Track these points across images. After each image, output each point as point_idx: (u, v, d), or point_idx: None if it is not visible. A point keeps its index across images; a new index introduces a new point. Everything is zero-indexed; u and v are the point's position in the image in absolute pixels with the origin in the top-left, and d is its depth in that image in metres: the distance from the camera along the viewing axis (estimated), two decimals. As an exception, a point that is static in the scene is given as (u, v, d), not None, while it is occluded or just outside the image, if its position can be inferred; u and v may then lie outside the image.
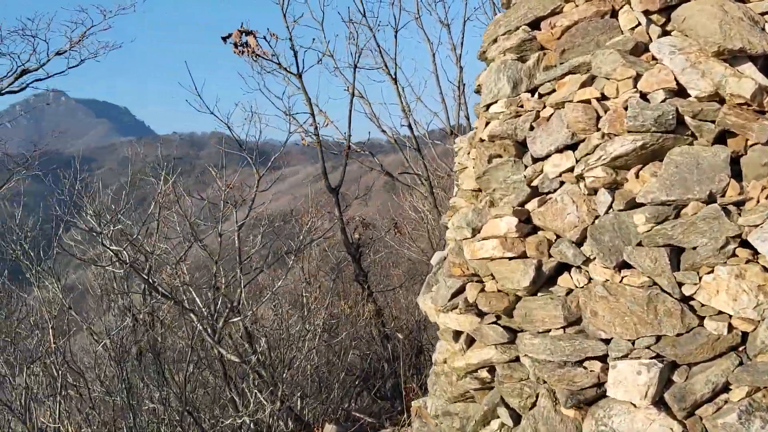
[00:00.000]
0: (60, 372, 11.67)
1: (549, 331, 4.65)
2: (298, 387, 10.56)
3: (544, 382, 4.63)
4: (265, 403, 9.45)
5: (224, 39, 10.96)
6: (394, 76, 16.85)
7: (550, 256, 4.68)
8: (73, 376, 12.01)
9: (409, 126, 18.45)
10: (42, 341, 11.83)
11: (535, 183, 4.90)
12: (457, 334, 5.25)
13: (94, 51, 9.06)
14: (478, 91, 6.23)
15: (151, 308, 12.33)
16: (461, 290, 5.19)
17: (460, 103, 18.40)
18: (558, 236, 4.69)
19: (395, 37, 16.35)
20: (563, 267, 4.72)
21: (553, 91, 4.94)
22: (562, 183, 4.77)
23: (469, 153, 5.83)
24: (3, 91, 8.46)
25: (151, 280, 10.29)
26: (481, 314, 5.00)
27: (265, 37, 11.33)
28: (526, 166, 4.98)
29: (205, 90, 11.66)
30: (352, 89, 12.44)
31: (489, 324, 4.93)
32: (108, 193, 12.94)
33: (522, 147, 5.05)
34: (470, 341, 5.20)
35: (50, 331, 11.56)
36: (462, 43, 18.17)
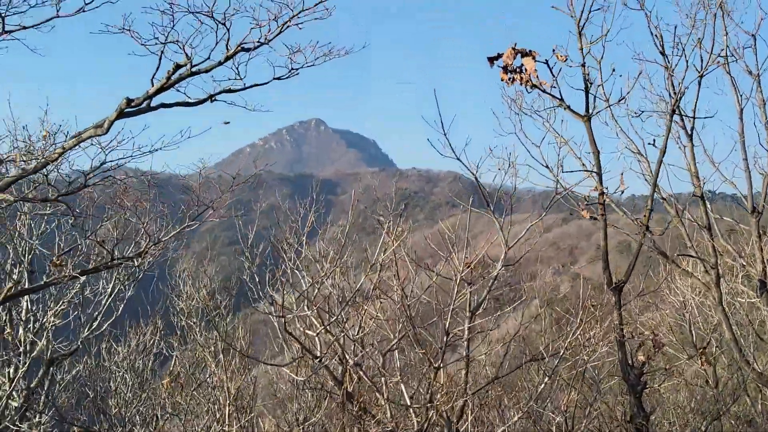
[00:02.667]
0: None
1: None
2: None
3: None
4: None
5: (491, 60, 7.60)
6: (689, 132, 12.65)
7: None
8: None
9: (702, 197, 14.02)
10: (218, 419, 9.19)
11: None
12: None
13: (310, 55, 6.15)
14: None
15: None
16: None
17: (771, 174, 13.92)
18: None
19: (699, 83, 12.23)
20: None
21: None
22: None
23: None
24: (150, 98, 5.75)
25: (350, 386, 7.06)
26: None
27: (547, 62, 7.72)
28: None
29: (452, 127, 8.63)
30: (665, 140, 8.47)
31: None
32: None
33: None
34: None
35: (227, 412, 8.84)
36: (786, 98, 13.62)
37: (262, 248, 11.76)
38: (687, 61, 9.66)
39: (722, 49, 11.97)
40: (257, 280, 10.80)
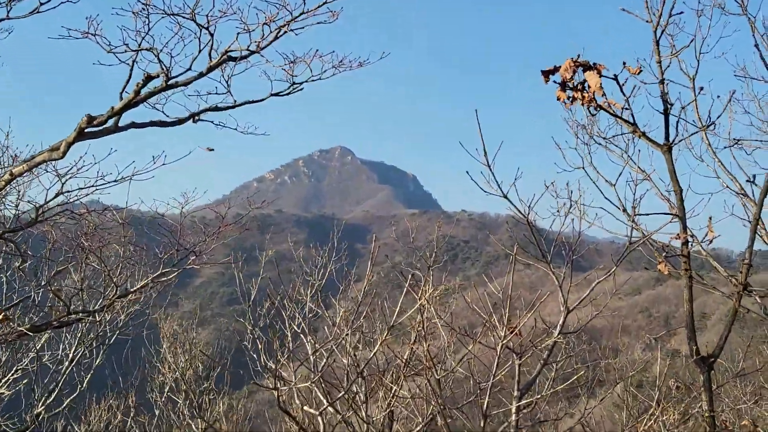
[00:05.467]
0: None
1: None
2: None
3: None
4: None
5: (546, 74, 7.71)
6: (809, 167, 12.53)
7: None
8: None
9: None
10: None
11: None
12: None
13: (317, 66, 6.25)
14: None
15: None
16: None
17: None
18: None
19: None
20: None
21: None
22: None
23: None
24: (118, 115, 5.89)
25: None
26: None
27: (616, 77, 7.81)
28: None
29: (501, 159, 8.67)
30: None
31: None
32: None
33: None
34: None
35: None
36: None
37: (267, 307, 11.88)
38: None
39: None
40: (260, 347, 10.88)
